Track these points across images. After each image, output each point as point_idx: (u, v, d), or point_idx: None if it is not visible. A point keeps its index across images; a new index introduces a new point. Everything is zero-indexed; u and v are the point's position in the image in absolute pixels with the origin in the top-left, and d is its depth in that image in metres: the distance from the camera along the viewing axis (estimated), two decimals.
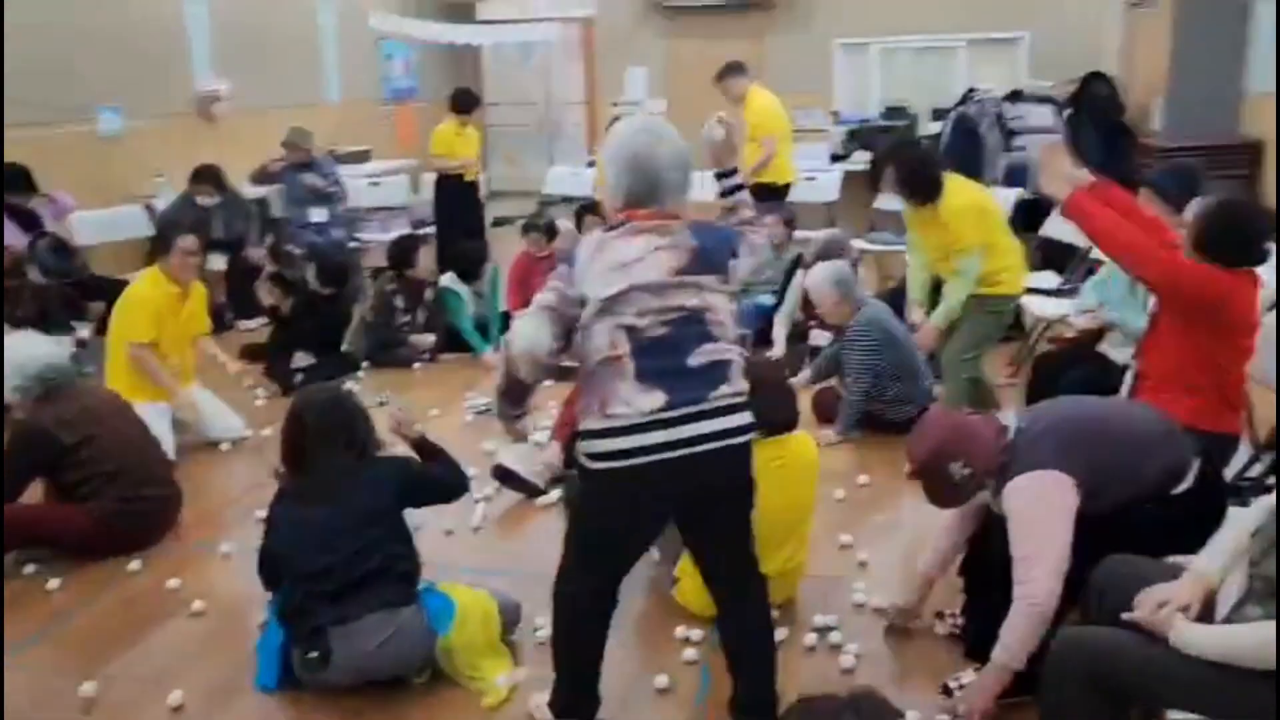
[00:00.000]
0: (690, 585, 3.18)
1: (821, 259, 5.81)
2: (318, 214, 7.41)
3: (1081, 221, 3.16)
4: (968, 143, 7.76)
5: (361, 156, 9.50)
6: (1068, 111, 7.45)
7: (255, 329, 6.72)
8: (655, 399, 2.34)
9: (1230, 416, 3.17)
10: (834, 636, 3.17)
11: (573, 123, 12.18)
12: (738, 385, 2.44)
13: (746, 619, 2.67)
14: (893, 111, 9.89)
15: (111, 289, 6.21)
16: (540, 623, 3.13)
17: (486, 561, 3.76)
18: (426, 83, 11.51)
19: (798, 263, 6.25)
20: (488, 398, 5.40)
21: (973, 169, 7.57)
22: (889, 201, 6.31)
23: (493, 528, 4.11)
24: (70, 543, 3.75)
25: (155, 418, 4.38)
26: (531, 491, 4.28)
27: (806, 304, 5.65)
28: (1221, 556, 2.28)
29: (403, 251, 6.34)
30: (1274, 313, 3.41)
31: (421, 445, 3.35)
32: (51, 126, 6.60)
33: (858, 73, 10.83)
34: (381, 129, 10.56)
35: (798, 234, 6.54)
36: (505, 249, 7.59)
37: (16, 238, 5.98)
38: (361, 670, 2.88)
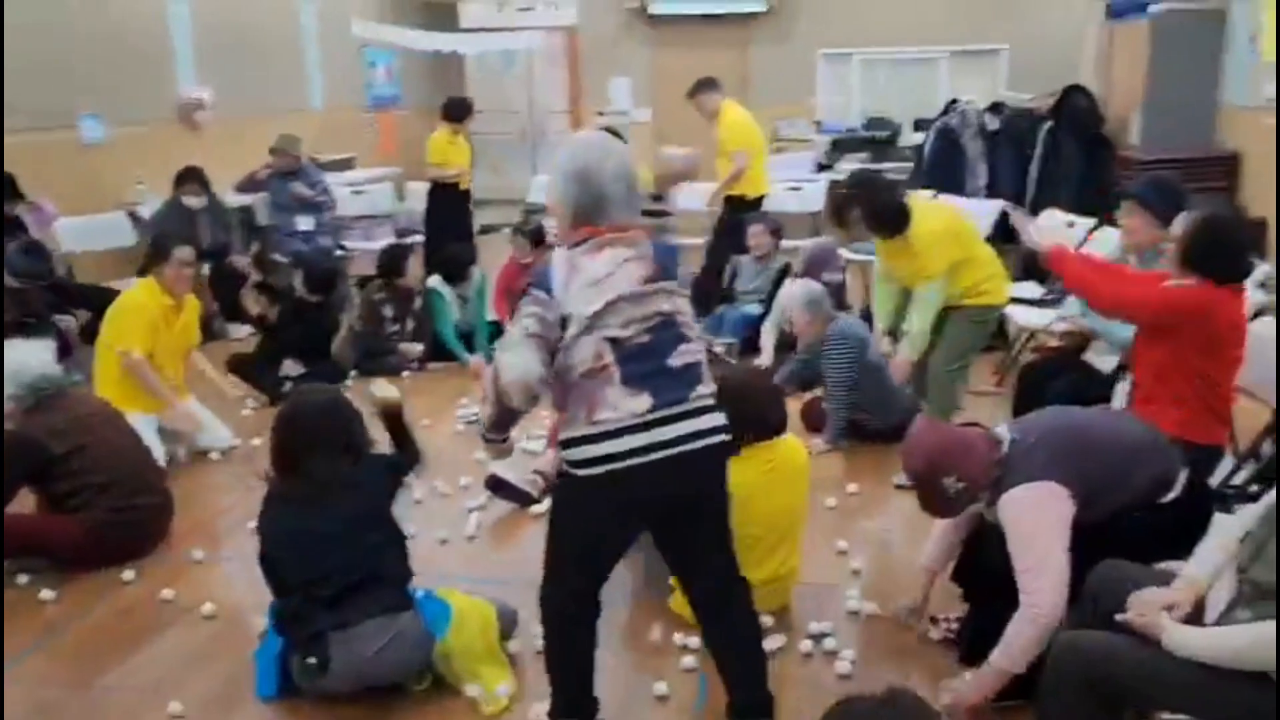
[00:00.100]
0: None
1: (811, 266, 5.89)
2: (304, 222, 7.42)
3: (1064, 273, 3.28)
4: (950, 153, 7.82)
5: (344, 164, 9.50)
6: (1048, 124, 7.53)
7: (244, 337, 6.70)
8: (642, 401, 2.40)
9: (1218, 429, 3.25)
10: (829, 643, 3.20)
11: (555, 131, 12.22)
12: (710, 385, 2.53)
13: (734, 624, 2.71)
14: (875, 122, 9.98)
15: (95, 296, 6.22)
16: (538, 632, 3.15)
17: (482, 570, 3.78)
18: (409, 90, 11.54)
19: (785, 272, 6.31)
20: (478, 406, 5.43)
21: (955, 179, 7.69)
22: (860, 250, 6.41)
23: (486, 536, 4.12)
24: (62, 553, 3.74)
25: (143, 427, 4.37)
26: (524, 500, 4.29)
27: None
28: (1210, 563, 2.34)
29: (392, 260, 6.35)
30: (1260, 320, 3.48)
31: (394, 421, 3.33)
32: (34, 133, 6.56)
33: (840, 83, 10.95)
34: (364, 136, 10.56)
35: (784, 244, 6.60)
36: (491, 257, 7.61)
37: None
38: (361, 676, 2.88)
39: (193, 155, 7.36)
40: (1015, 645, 2.56)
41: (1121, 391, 3.53)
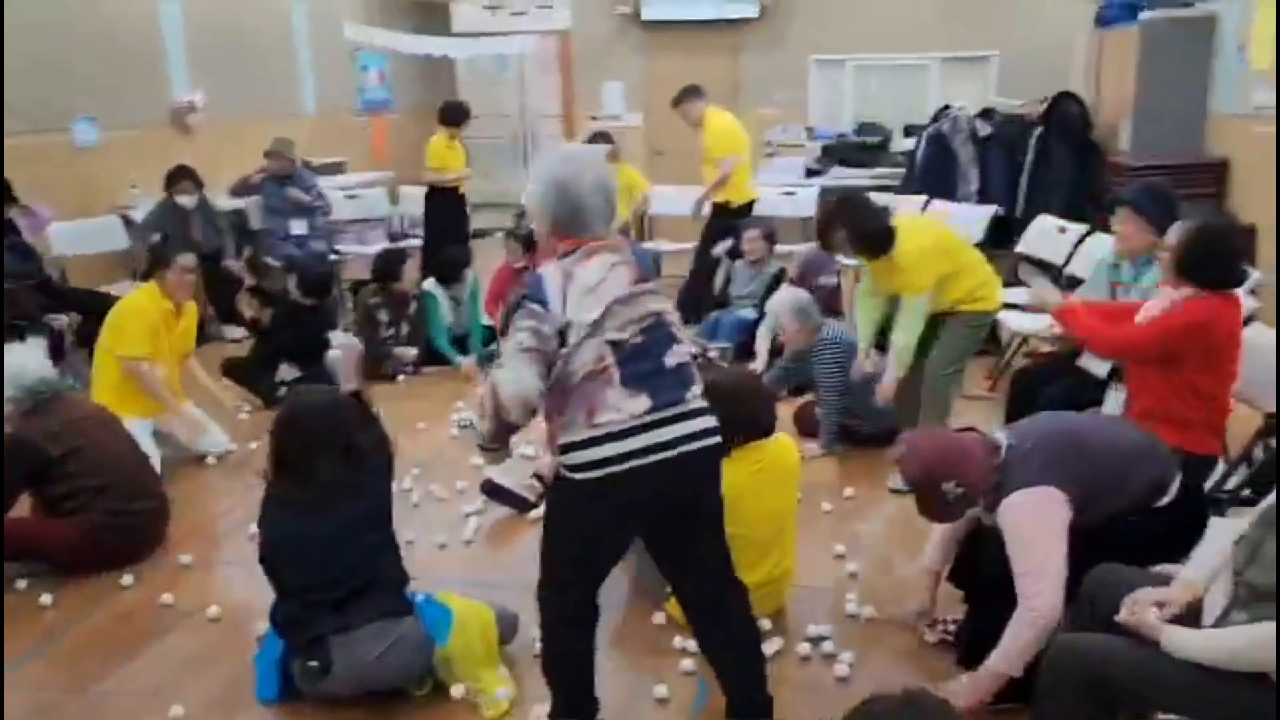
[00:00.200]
0: None
1: (807, 271, 5.92)
2: (298, 226, 7.42)
3: (1073, 326, 3.34)
4: (942, 159, 7.87)
5: (336, 168, 9.50)
6: (1038, 130, 7.58)
7: (239, 340, 6.69)
8: (641, 402, 2.42)
9: (1213, 440, 3.30)
10: (827, 646, 3.22)
11: (547, 135, 12.25)
12: (700, 385, 2.57)
13: (730, 627, 2.72)
14: (866, 127, 10.02)
15: (88, 300, 6.22)
16: (538, 634, 3.16)
17: (480, 574, 3.79)
18: (400, 94, 11.55)
19: (780, 277, 6.35)
20: (473, 411, 5.44)
21: (947, 185, 7.73)
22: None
23: (484, 541, 4.13)
24: (59, 556, 3.75)
25: (139, 432, 4.36)
26: (521, 505, 4.30)
27: None
28: (1206, 566, 2.37)
29: (388, 264, 6.36)
30: (1252, 326, 3.52)
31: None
32: (27, 136, 6.54)
33: (832, 89, 11.01)
34: (356, 140, 10.57)
35: (779, 248, 6.63)
36: (484, 261, 7.63)
37: None
38: (362, 680, 2.89)
39: (185, 159, 7.35)
40: (1013, 648, 2.59)
41: (1116, 399, 3.55)
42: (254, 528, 4.04)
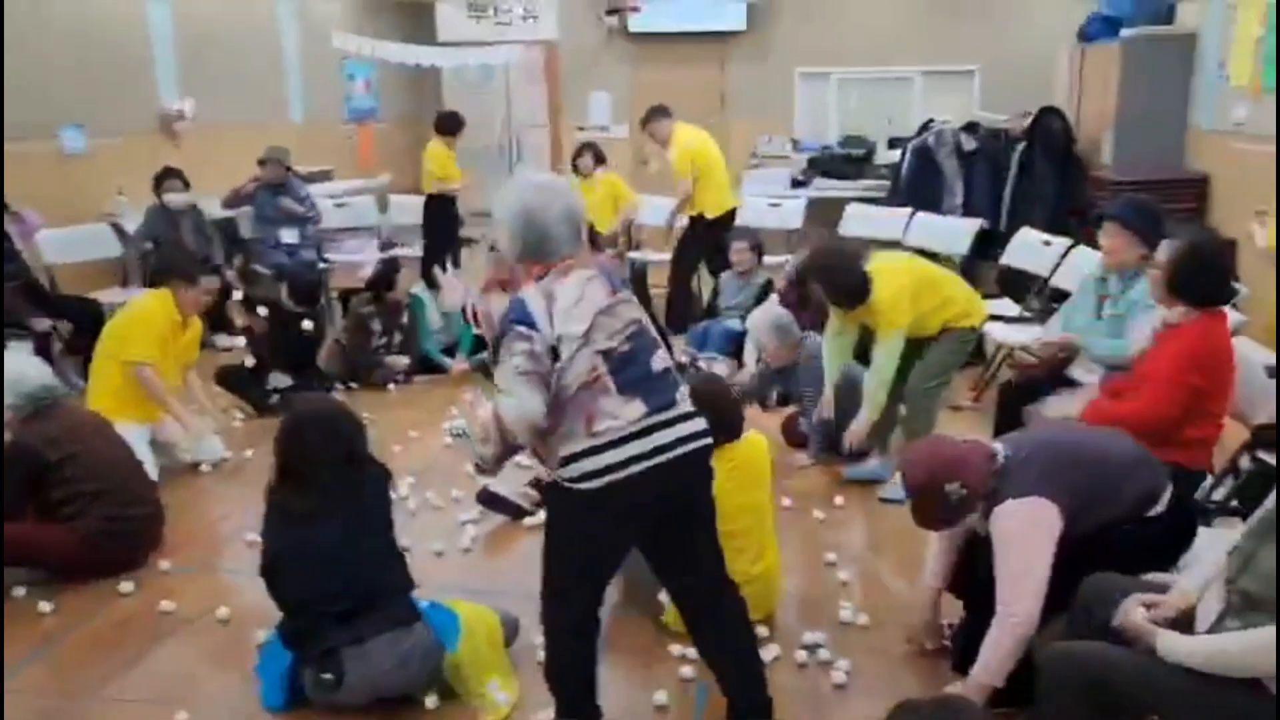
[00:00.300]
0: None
1: (800, 278, 5.97)
2: (289, 235, 7.44)
3: (1105, 421, 3.35)
4: (927, 172, 7.97)
5: (323, 176, 9.50)
6: (1022, 144, 7.69)
7: (230, 348, 6.69)
8: (636, 407, 2.48)
9: (1207, 455, 3.38)
10: (823, 653, 3.27)
11: (530, 145, 12.28)
12: (686, 389, 2.64)
13: (727, 629, 2.77)
14: (851, 140, 10.10)
15: (77, 307, 6.21)
16: (539, 641, 3.19)
17: (478, 581, 3.81)
18: (387, 103, 11.56)
19: (768, 287, 6.41)
20: (464, 419, 5.47)
21: (932, 198, 7.83)
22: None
23: (482, 548, 4.16)
24: (56, 562, 3.76)
25: (135, 439, 4.37)
26: (517, 513, 4.33)
27: None
28: (1200, 575, 2.43)
29: (382, 274, 6.38)
30: (1236, 339, 3.59)
31: None
32: (15, 144, 6.52)
33: (817, 101, 11.10)
34: (343, 149, 10.58)
35: (766, 260, 6.70)
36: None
37: None
38: (374, 689, 2.92)
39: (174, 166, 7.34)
40: (994, 658, 2.65)
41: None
42: (251, 535, 4.10)
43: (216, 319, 7.06)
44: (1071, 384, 4.18)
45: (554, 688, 2.73)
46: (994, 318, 5.88)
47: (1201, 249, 3.29)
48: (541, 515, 4.26)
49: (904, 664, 3.24)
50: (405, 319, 6.45)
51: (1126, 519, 2.83)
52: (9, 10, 6.51)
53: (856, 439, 4.55)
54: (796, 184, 9.27)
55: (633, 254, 8.08)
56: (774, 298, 6.21)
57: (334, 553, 2.94)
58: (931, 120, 8.44)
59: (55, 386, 3.91)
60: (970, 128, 8.11)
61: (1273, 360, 3.55)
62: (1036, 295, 6.16)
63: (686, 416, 2.59)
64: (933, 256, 7.25)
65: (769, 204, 8.27)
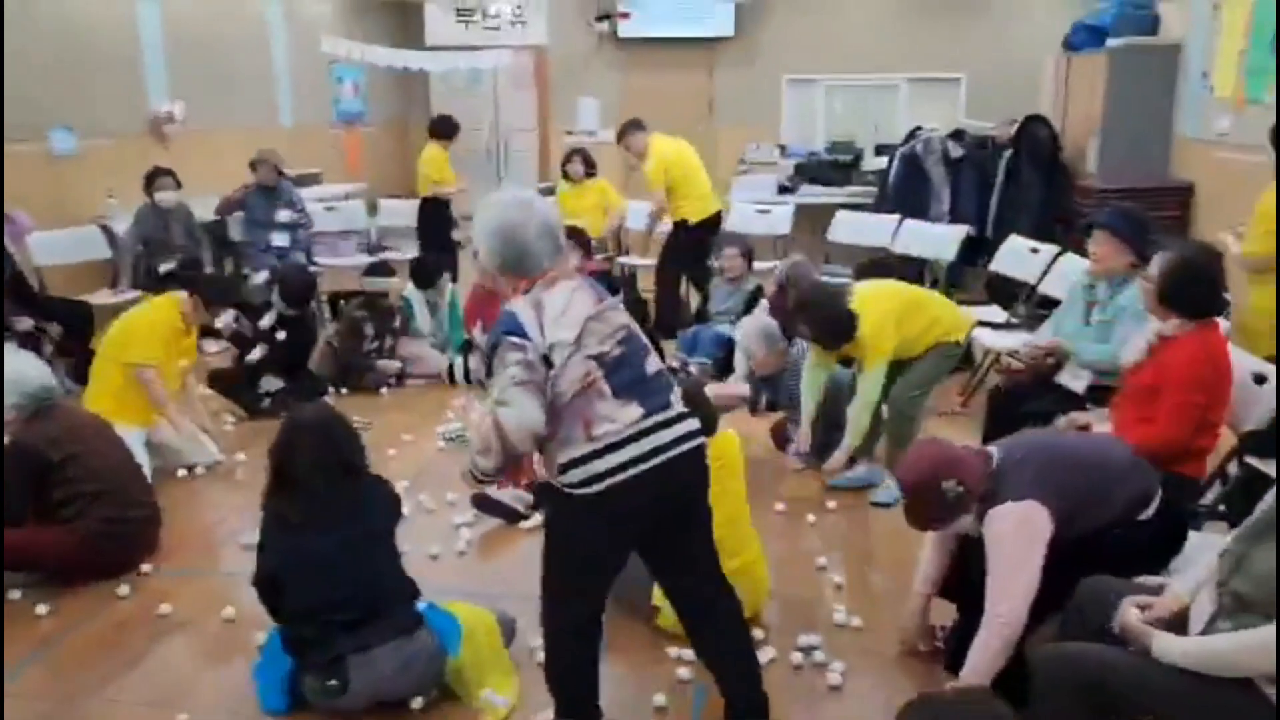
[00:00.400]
0: (670, 610, 3.28)
1: (790, 283, 6.02)
2: (279, 238, 7.44)
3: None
4: (915, 179, 8.04)
5: (311, 180, 9.49)
6: (1008, 152, 7.77)
7: (218, 351, 6.69)
8: (633, 410, 2.52)
9: (1201, 465, 3.44)
10: (818, 655, 3.31)
11: (517, 149, 12.30)
12: (679, 391, 2.68)
13: (723, 626, 2.81)
14: (838, 146, 10.18)
15: (65, 309, 6.20)
16: (536, 643, 3.21)
17: (474, 585, 3.82)
18: (375, 106, 11.57)
19: (758, 293, 6.45)
20: (459, 423, 5.49)
21: (920, 205, 7.90)
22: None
23: (477, 552, 4.18)
24: (54, 566, 3.76)
25: (132, 441, 4.36)
26: (512, 517, 4.35)
27: None
28: (1192, 579, 2.48)
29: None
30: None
31: None
32: (4, 145, 6.52)
33: (805, 108, 11.17)
34: (331, 152, 10.58)
35: (756, 265, 6.74)
36: (466, 271, 7.68)
37: None
38: (377, 694, 2.94)
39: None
40: (981, 660, 2.69)
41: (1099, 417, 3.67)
42: (246, 538, 4.11)
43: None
44: (1058, 390, 4.23)
45: (555, 690, 2.75)
46: (982, 323, 5.95)
47: (1192, 261, 3.34)
48: (536, 518, 4.31)
49: (897, 665, 3.28)
50: (398, 322, 6.47)
51: (1118, 523, 2.88)
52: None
53: (837, 465, 4.58)
54: (784, 190, 9.33)
55: (622, 259, 8.13)
56: (763, 304, 6.27)
57: (334, 560, 2.95)
58: (919, 128, 8.51)
59: (55, 387, 3.92)
60: (957, 135, 8.20)
61: (1259, 368, 3.60)
62: (1024, 302, 6.23)
63: (682, 417, 2.63)
64: (920, 264, 7.39)
65: (757, 210, 8.32)
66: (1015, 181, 7.69)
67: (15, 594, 3.73)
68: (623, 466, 2.49)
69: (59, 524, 3.75)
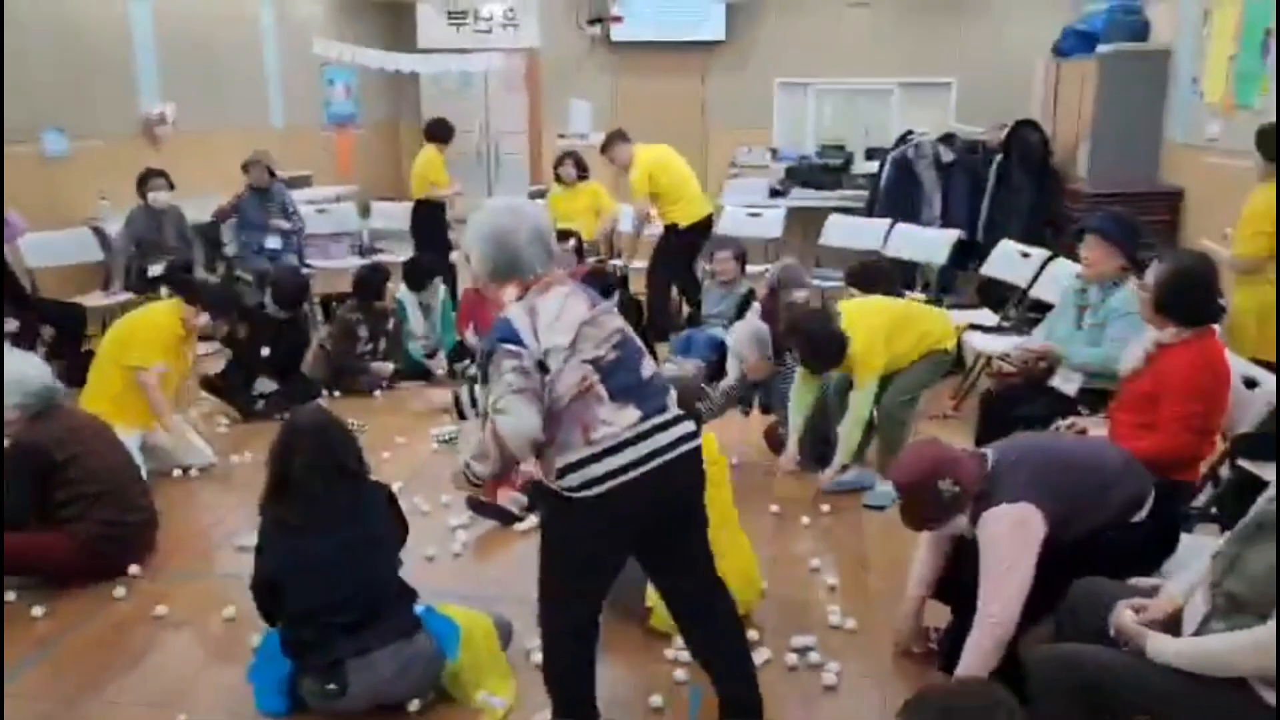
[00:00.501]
0: (664, 610, 3.29)
1: (783, 285, 6.05)
2: (272, 240, 7.45)
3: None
4: (906, 184, 8.08)
5: (303, 182, 9.48)
6: (999, 156, 7.82)
7: (210, 354, 6.68)
8: (631, 413, 2.53)
9: (1196, 471, 3.47)
10: (813, 656, 3.33)
11: (508, 152, 12.30)
12: (675, 394, 2.69)
13: (719, 627, 2.83)
14: (829, 150, 10.22)
15: (60, 311, 6.19)
16: (532, 645, 3.22)
17: (471, 587, 3.83)
18: (366, 108, 11.57)
19: (750, 296, 6.48)
20: (453, 426, 5.50)
21: (911, 209, 7.94)
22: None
23: (472, 554, 4.18)
24: (52, 570, 3.75)
25: (128, 444, 4.35)
26: (507, 519, 4.36)
27: None
28: (1185, 581, 2.51)
29: (373, 283, 6.40)
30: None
31: None
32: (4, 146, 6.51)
33: (796, 111, 11.21)
34: (322, 154, 10.57)
35: (749, 269, 6.77)
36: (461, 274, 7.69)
37: None
38: (376, 697, 2.95)
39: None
40: (974, 661, 2.72)
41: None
42: (241, 540, 4.12)
43: None
44: (1051, 393, 4.26)
45: (553, 691, 2.76)
46: (973, 327, 6.00)
47: (1188, 269, 3.37)
48: (531, 520, 4.32)
49: (892, 666, 3.31)
50: (391, 325, 6.47)
51: (1112, 524, 2.91)
52: None
53: (828, 481, 4.60)
54: (775, 193, 9.38)
55: (615, 261, 8.14)
56: (755, 308, 6.29)
57: (334, 562, 2.95)
58: (910, 132, 8.55)
59: (57, 387, 3.92)
60: (948, 139, 8.24)
61: (1250, 371, 3.64)
62: (1015, 306, 6.27)
63: (678, 420, 2.64)
64: (911, 268, 7.43)
65: (749, 213, 8.35)
66: (1006, 186, 7.73)
67: (11, 595, 3.72)
68: (622, 470, 2.50)
69: (59, 524, 3.75)
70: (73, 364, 5.57)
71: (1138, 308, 3.97)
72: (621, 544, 2.70)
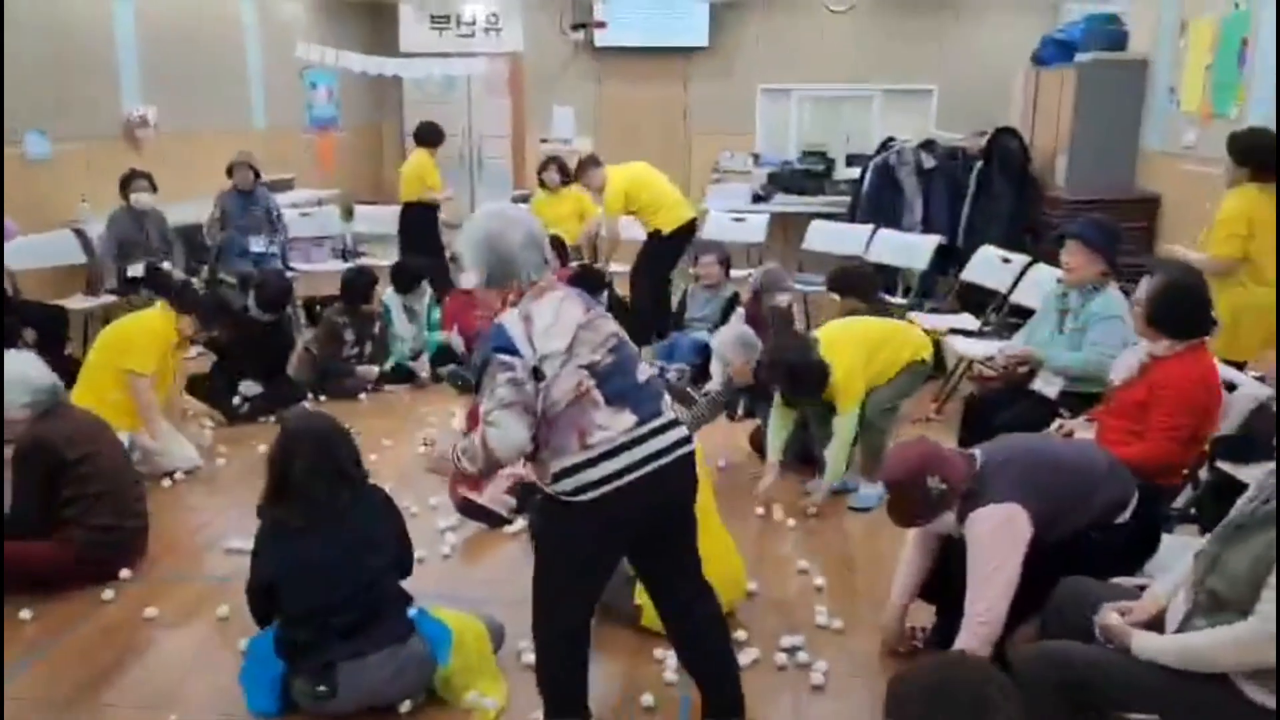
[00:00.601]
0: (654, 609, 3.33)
1: (766, 289, 6.10)
2: (256, 243, 7.43)
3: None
4: (889, 191, 8.15)
5: (284, 185, 9.47)
6: (979, 163, 7.90)
7: (193, 356, 6.67)
8: (627, 418, 2.56)
9: (1179, 476, 3.54)
10: (801, 656, 3.37)
11: (490, 156, 12.31)
12: (669, 398, 2.73)
13: (705, 628, 2.86)
14: (810, 155, 10.29)
15: (42, 314, 6.15)
16: (523, 646, 3.26)
17: (460, 589, 3.84)
18: (348, 112, 11.55)
19: (734, 300, 6.52)
20: (436, 429, 5.52)
21: (893, 215, 8.01)
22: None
23: (461, 556, 4.19)
24: (47, 576, 3.73)
25: None
26: (496, 521, 4.38)
27: None
28: (1170, 581, 2.57)
29: (360, 286, 6.40)
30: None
31: None
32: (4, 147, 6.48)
33: (779, 117, 11.29)
34: (304, 157, 10.55)
35: (733, 273, 6.81)
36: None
37: None
38: (367, 699, 2.97)
39: None
40: None
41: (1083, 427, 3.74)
42: (228, 543, 4.13)
43: None
44: (1032, 396, 4.32)
45: (546, 692, 2.79)
46: (954, 331, 6.06)
47: (1179, 282, 3.43)
48: (520, 523, 4.34)
49: (879, 665, 3.34)
50: (377, 329, 6.48)
51: (1096, 525, 2.96)
52: None
53: (815, 504, 4.60)
54: (757, 199, 9.42)
55: (597, 265, 8.15)
56: (740, 312, 6.34)
57: (334, 563, 2.97)
58: (892, 139, 8.63)
59: (61, 387, 3.93)
60: (928, 146, 8.32)
61: (1230, 375, 3.70)
62: (995, 311, 6.34)
63: (673, 424, 2.67)
64: (893, 272, 7.50)
65: (733, 218, 8.40)
66: (986, 192, 7.81)
67: None
68: (617, 474, 2.53)
69: (58, 526, 3.74)
70: (55, 367, 5.47)
71: (1118, 311, 4.07)
72: (616, 547, 2.74)
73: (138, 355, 4.74)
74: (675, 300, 7.10)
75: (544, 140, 10.75)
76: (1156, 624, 2.48)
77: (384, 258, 8.03)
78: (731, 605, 3.48)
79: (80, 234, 7.04)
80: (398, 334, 6.59)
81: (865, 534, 4.38)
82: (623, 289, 7.51)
